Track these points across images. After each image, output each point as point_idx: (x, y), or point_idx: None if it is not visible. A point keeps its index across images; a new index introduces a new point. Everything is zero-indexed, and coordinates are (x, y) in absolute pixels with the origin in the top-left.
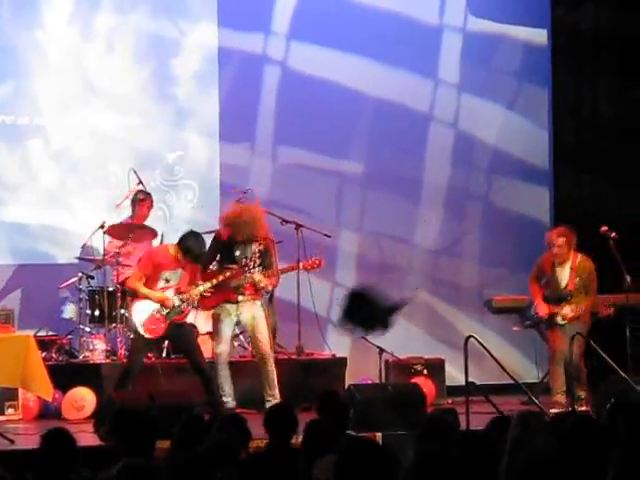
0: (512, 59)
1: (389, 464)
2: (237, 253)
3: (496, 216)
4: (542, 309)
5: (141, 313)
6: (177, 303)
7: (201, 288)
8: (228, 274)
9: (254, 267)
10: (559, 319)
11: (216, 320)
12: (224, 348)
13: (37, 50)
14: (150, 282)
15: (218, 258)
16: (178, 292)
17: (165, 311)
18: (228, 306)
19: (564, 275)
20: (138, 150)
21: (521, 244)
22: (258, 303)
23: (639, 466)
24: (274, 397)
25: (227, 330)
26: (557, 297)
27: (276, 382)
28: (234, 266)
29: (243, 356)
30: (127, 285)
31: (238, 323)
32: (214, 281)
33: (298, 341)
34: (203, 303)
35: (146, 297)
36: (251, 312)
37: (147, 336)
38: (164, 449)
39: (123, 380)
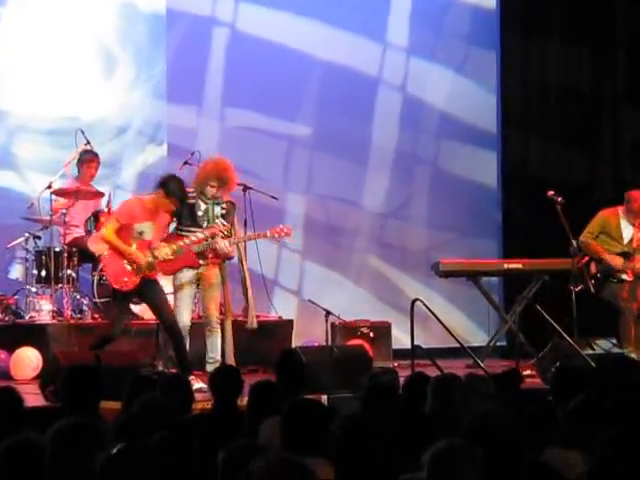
0: (461, 23)
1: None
2: (200, 213)
3: (444, 180)
4: (617, 261)
5: (113, 268)
6: (150, 259)
7: (174, 247)
8: (202, 236)
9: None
10: (625, 275)
11: (178, 287)
12: (185, 314)
13: None
14: (124, 234)
15: (177, 219)
16: (149, 247)
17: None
18: (189, 272)
19: (628, 232)
20: (86, 111)
21: (469, 208)
22: (217, 269)
23: (585, 428)
24: (214, 360)
25: (188, 297)
26: (621, 254)
27: (219, 346)
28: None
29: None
30: (103, 237)
31: (198, 287)
32: (193, 238)
33: (245, 303)
34: (163, 268)
35: (121, 252)
36: (209, 276)
37: (120, 289)
38: (111, 409)
39: (101, 343)
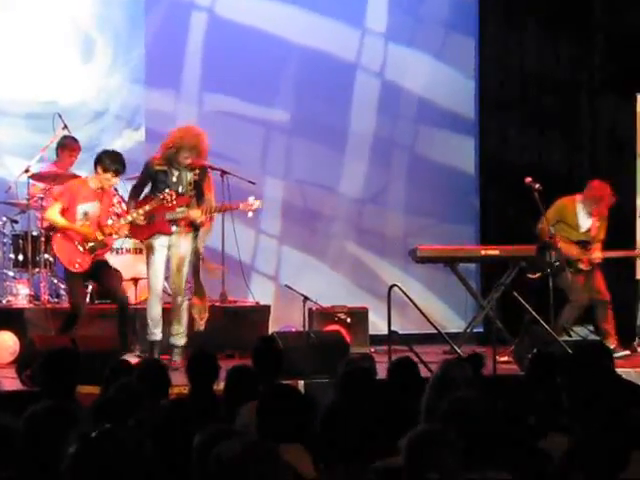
0: (440, 9)
1: (309, 410)
2: (173, 180)
3: (422, 166)
4: (572, 250)
5: (65, 250)
6: (100, 237)
7: (129, 218)
8: (156, 202)
9: (188, 195)
10: (581, 265)
11: (150, 251)
12: (158, 281)
13: None
14: (68, 217)
15: (151, 186)
16: (99, 226)
17: (88, 245)
18: (162, 237)
19: (585, 221)
20: (64, 95)
21: (446, 194)
22: (190, 236)
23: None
24: (178, 333)
25: (160, 260)
26: (578, 242)
27: (184, 319)
28: (166, 193)
29: (168, 303)
30: (46, 217)
31: (169, 253)
32: (146, 207)
33: (222, 288)
34: (135, 233)
35: (68, 230)
36: (179, 245)
37: (75, 271)
38: (89, 394)
39: (68, 325)
